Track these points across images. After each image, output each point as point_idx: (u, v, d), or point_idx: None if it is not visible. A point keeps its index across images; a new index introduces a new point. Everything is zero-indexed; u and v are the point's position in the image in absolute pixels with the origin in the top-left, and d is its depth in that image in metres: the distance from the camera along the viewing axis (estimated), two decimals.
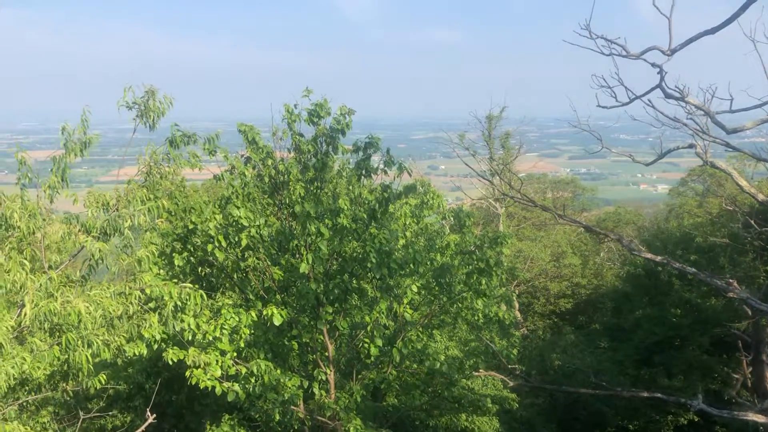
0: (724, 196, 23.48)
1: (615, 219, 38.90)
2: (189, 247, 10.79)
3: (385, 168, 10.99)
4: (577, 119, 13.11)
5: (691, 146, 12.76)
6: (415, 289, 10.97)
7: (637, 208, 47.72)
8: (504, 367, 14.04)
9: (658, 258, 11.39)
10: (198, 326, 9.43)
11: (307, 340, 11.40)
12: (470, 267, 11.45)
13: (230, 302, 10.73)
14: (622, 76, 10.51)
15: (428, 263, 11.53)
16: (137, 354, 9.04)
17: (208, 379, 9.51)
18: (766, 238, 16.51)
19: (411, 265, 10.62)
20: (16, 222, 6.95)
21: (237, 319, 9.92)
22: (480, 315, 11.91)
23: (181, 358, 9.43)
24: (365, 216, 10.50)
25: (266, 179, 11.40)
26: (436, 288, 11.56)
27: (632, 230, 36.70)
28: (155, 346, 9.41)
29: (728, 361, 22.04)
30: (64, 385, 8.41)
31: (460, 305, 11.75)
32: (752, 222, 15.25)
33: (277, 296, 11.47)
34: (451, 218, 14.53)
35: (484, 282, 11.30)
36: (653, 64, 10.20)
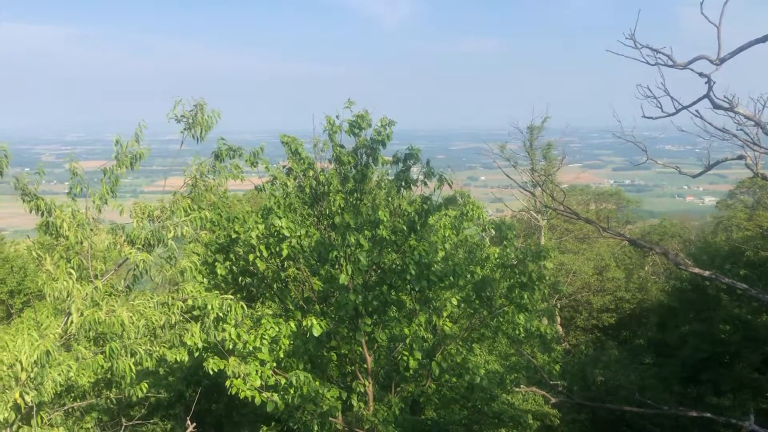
0: None
1: (660, 232, 38.05)
2: (231, 256, 10.90)
3: (425, 179, 10.95)
4: (621, 129, 12.88)
5: (740, 158, 12.38)
6: (455, 302, 10.88)
7: (683, 220, 46.56)
8: (545, 382, 13.77)
9: (707, 273, 11.02)
10: (239, 336, 9.51)
11: (346, 352, 11.38)
12: (512, 281, 11.29)
13: (270, 312, 10.80)
14: (668, 87, 10.30)
15: (468, 276, 11.42)
16: (178, 361, 9.15)
17: (248, 389, 9.56)
18: None
19: (451, 278, 10.53)
20: (65, 231, 7.12)
21: (277, 329, 9.98)
22: (521, 329, 11.73)
23: (222, 367, 9.51)
24: (405, 228, 10.45)
25: (307, 190, 11.47)
26: (477, 301, 11.43)
27: (678, 243, 35.85)
28: (196, 354, 9.52)
29: None
30: (108, 392, 8.57)
31: (501, 319, 11.59)
32: None
33: (317, 306, 11.50)
34: (492, 230, 14.38)
35: (526, 296, 11.13)
36: (701, 74, 9.95)
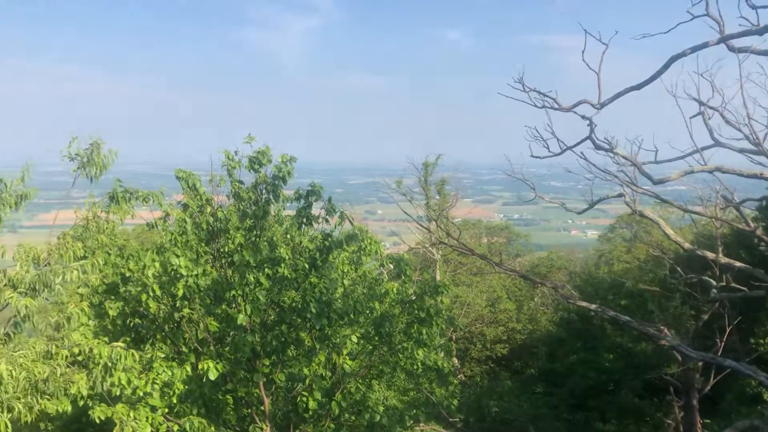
0: (651, 242, 24.40)
1: (548, 264, 39.79)
2: (122, 295, 10.34)
3: (327, 216, 10.93)
4: (510, 167, 13.48)
5: (620, 195, 13.28)
6: (354, 339, 10.82)
7: (569, 253, 49.04)
8: (443, 417, 13.93)
9: (593, 306, 11.66)
10: (129, 381, 8.98)
11: (243, 394, 11.01)
12: (410, 316, 11.40)
13: (162, 355, 10.29)
14: (554, 125, 10.89)
15: (368, 312, 11.42)
16: (60, 411, 8.51)
17: None
18: (692, 284, 17.17)
19: (351, 315, 10.49)
20: None
21: (170, 373, 9.51)
22: (419, 364, 11.82)
23: (109, 415, 8.92)
24: (306, 265, 10.35)
25: (204, 226, 11.12)
26: (376, 338, 11.44)
27: (564, 275, 37.58)
28: (81, 403, 8.89)
29: (660, 406, 22.54)
30: None
31: (400, 355, 11.63)
32: (678, 269, 15.85)
33: (212, 348, 11.08)
34: (390, 265, 14.51)
35: (425, 332, 11.25)
36: (583, 117, 10.63)
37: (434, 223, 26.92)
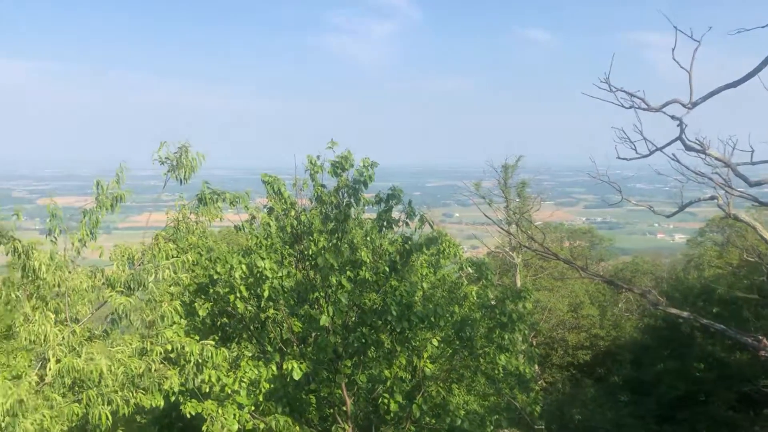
0: (746, 247, 23.17)
1: (632, 269, 38.49)
2: (212, 296, 10.74)
3: (407, 219, 10.97)
4: (595, 169, 13.10)
5: (712, 198, 12.68)
6: (435, 342, 10.81)
7: (655, 258, 47.20)
8: (526, 423, 13.69)
9: (685, 314, 11.16)
10: (218, 378, 9.31)
11: (325, 394, 11.20)
12: (492, 321, 11.29)
13: (249, 354, 10.62)
14: (641, 127, 10.52)
15: (448, 316, 11.38)
16: (154, 405, 8.92)
17: None
18: None
19: (432, 318, 10.49)
20: (43, 274, 6.97)
21: (256, 372, 9.79)
22: (500, 369, 11.67)
23: (199, 411, 9.27)
24: (387, 268, 10.42)
25: (288, 229, 11.40)
26: (457, 342, 11.39)
27: (650, 281, 36.24)
28: (172, 398, 9.28)
29: (756, 419, 21.40)
30: None
31: (481, 360, 11.53)
32: None
33: (295, 348, 11.33)
34: (469, 268, 14.40)
35: (507, 337, 11.11)
36: (673, 117, 10.22)
37: (515, 226, 26.53)
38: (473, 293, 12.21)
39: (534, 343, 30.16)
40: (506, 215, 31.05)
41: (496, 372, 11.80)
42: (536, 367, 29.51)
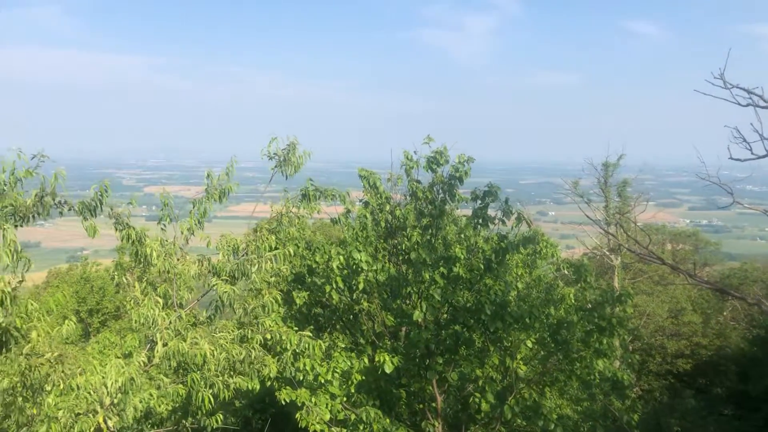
0: None
1: (741, 276, 36.22)
2: (308, 285, 10.99)
3: (503, 217, 10.79)
4: (705, 170, 12.41)
5: None
6: (530, 344, 10.59)
7: (767, 264, 44.28)
8: (620, 430, 13.16)
9: None
10: (312, 367, 9.50)
11: (416, 390, 11.21)
12: (590, 324, 10.93)
13: (342, 345, 10.79)
14: (760, 127, 9.86)
15: (544, 318, 11.11)
16: (250, 389, 9.23)
17: (317, 423, 9.51)
18: None
19: (527, 319, 10.28)
20: (154, 260, 7.33)
21: (349, 363, 9.93)
22: (596, 374, 11.29)
23: (293, 398, 9.51)
24: (482, 266, 10.30)
25: (382, 224, 11.49)
26: (552, 344, 11.12)
27: (760, 289, 34.02)
28: (268, 384, 9.56)
29: None
30: (185, 421, 8.72)
31: (577, 364, 11.20)
32: None
33: (387, 342, 11.41)
34: (565, 270, 13.97)
35: (605, 341, 10.73)
36: None
37: (614, 227, 25.58)
38: (570, 295, 11.86)
39: (630, 348, 29.04)
40: (605, 215, 29.97)
41: (592, 377, 11.42)
42: (632, 373, 28.41)
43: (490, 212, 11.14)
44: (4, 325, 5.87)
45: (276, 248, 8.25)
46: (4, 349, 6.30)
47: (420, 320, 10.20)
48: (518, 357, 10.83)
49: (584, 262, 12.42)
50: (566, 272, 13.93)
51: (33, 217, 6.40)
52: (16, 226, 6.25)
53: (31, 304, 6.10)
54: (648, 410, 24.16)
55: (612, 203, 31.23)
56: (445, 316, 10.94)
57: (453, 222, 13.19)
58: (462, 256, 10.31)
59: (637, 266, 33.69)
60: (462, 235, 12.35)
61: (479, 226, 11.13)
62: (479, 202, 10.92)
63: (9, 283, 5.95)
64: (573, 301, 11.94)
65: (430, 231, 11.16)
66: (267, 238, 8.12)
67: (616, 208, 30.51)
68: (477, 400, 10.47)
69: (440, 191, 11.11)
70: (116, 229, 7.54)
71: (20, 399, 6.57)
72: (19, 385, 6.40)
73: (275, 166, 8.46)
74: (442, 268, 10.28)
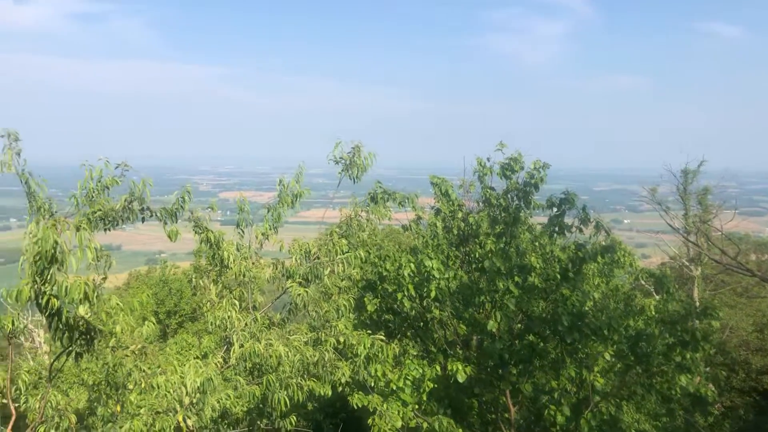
0: None
1: None
2: (379, 292, 10.98)
3: (581, 225, 10.47)
4: None
5: None
6: (608, 356, 10.22)
7: None
8: None
9: None
10: (383, 374, 9.47)
11: (488, 400, 11.01)
12: (672, 338, 10.46)
13: (414, 353, 10.71)
14: None
15: (622, 330, 10.71)
16: (322, 394, 9.27)
17: (389, 429, 9.45)
18: None
19: (605, 331, 9.93)
20: (231, 263, 7.48)
21: (421, 371, 9.84)
22: (677, 389, 10.79)
23: (365, 403, 9.49)
24: (558, 275, 10.02)
25: (454, 231, 11.36)
26: (631, 357, 10.70)
27: None
28: (339, 389, 9.59)
29: None
30: (259, 422, 8.86)
31: (658, 378, 10.73)
32: None
33: (459, 350, 11.25)
34: (642, 280, 13.47)
35: (689, 356, 10.24)
36: None
37: (694, 235, 24.53)
38: (651, 307, 11.40)
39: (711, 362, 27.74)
40: (685, 223, 28.78)
41: (673, 392, 10.92)
42: (712, 387, 27.13)
43: (566, 220, 10.86)
44: (90, 319, 6.07)
45: (347, 252, 8.28)
46: (90, 346, 6.53)
47: (494, 330, 10.01)
48: (595, 369, 10.46)
49: (666, 272, 11.93)
50: (644, 282, 13.44)
51: (121, 221, 6.65)
52: (105, 229, 6.51)
53: (115, 300, 6.30)
54: (734, 428, 23.00)
55: (691, 211, 29.96)
56: (519, 326, 10.70)
57: (527, 230, 12.93)
58: (537, 266, 10.07)
59: (719, 277, 32.19)
60: (536, 243, 12.08)
61: (555, 234, 10.85)
62: (555, 209, 10.65)
63: (93, 280, 6.17)
64: (653, 312, 11.48)
65: (504, 239, 10.96)
66: (338, 242, 8.17)
67: (696, 217, 29.24)
68: (552, 412, 10.18)
69: (515, 198, 10.90)
70: (195, 233, 7.73)
71: (104, 396, 6.80)
72: (103, 382, 6.63)
73: (342, 170, 8.52)
74: (516, 278, 10.06)
